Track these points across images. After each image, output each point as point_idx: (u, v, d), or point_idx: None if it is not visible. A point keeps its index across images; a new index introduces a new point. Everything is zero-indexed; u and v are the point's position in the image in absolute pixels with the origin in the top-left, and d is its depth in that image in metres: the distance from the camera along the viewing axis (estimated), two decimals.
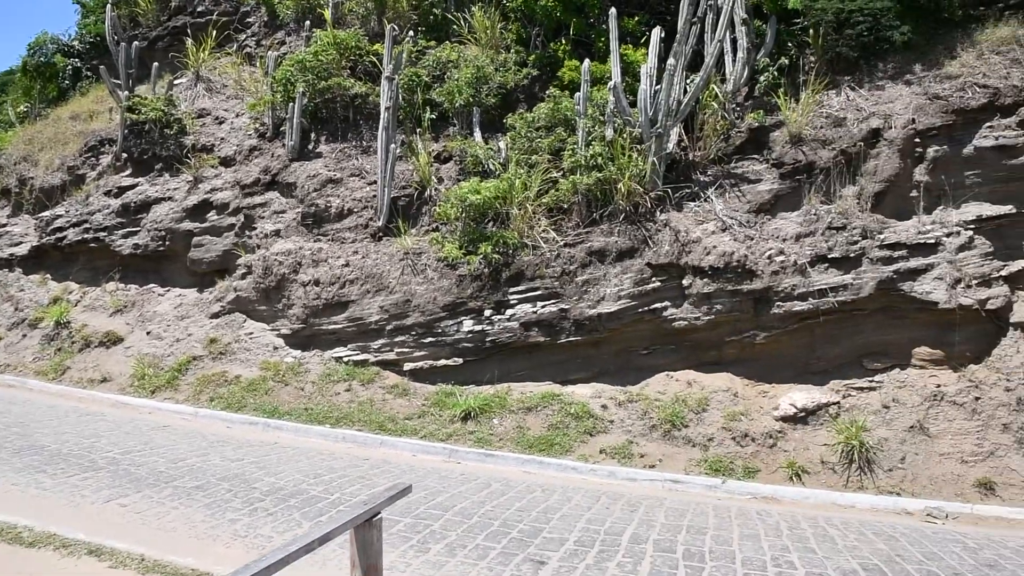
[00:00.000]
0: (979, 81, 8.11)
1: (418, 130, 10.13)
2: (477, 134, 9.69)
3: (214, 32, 12.90)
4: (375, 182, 10.09)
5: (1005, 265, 7.99)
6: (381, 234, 9.95)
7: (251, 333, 10.50)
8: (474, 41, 10.45)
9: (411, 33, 10.90)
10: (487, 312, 8.78)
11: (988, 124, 8.02)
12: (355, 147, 10.88)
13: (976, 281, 7.82)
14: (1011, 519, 6.64)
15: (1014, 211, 7.99)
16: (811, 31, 8.84)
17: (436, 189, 9.71)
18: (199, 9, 13.85)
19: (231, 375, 9.69)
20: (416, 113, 10.21)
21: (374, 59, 10.85)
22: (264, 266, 10.23)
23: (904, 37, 8.52)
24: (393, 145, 9.78)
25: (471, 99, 9.71)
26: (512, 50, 10.23)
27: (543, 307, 8.55)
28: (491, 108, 9.84)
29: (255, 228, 11.06)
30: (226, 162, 11.84)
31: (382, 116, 9.92)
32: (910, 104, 8.19)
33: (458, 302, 8.91)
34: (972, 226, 8.00)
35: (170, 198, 11.70)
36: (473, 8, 10.54)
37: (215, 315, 10.83)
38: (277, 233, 10.86)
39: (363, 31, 11.40)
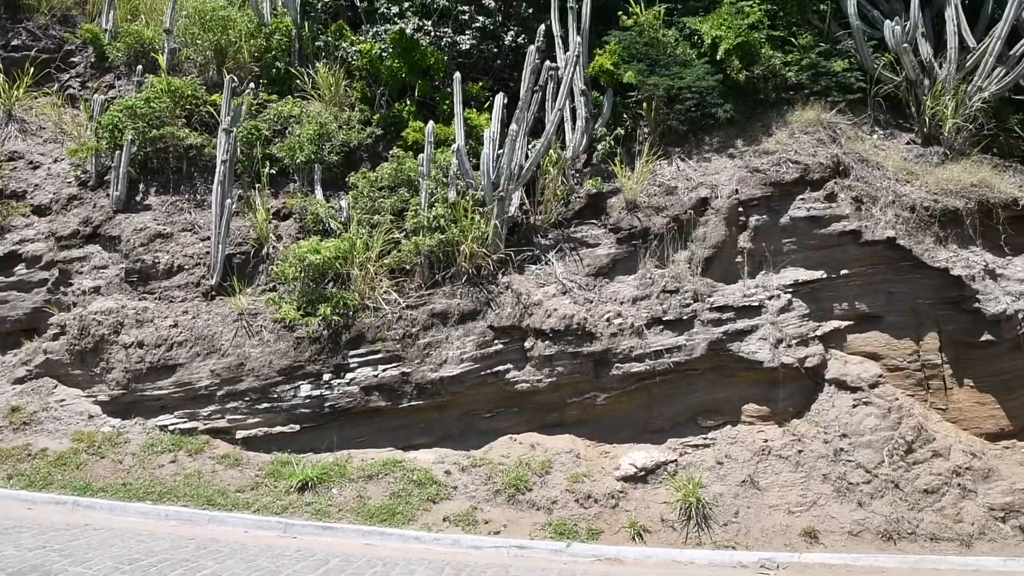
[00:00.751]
0: (792, 157, 8.89)
1: (257, 185, 9.73)
2: (318, 191, 9.45)
3: (32, 69, 11.90)
4: (209, 238, 9.55)
5: (819, 325, 8.67)
6: (214, 293, 9.38)
7: (62, 400, 9.50)
8: (318, 97, 10.27)
9: (252, 85, 10.55)
10: (326, 376, 8.44)
11: (801, 196, 8.77)
12: (188, 200, 10.28)
13: (795, 341, 8.43)
14: (833, 564, 7.07)
15: (825, 276, 8.71)
16: (645, 104, 9.39)
17: (274, 247, 9.32)
18: (15, 43, 12.74)
19: (36, 448, 8.68)
20: (255, 168, 9.83)
21: (211, 109, 10.39)
22: (80, 326, 9.34)
23: (727, 114, 9.26)
24: (229, 200, 9.33)
25: (313, 156, 9.49)
26: (356, 108, 10.14)
27: (384, 371, 8.33)
28: (333, 166, 9.66)
29: (71, 284, 10.12)
30: (40, 211, 10.81)
31: (218, 169, 9.47)
32: (734, 176, 8.84)
33: (295, 366, 8.51)
34: (790, 290, 8.65)
35: None
36: (318, 64, 10.39)
37: (19, 380, 9.73)
38: (97, 290, 9.98)
39: (201, 80, 10.91)
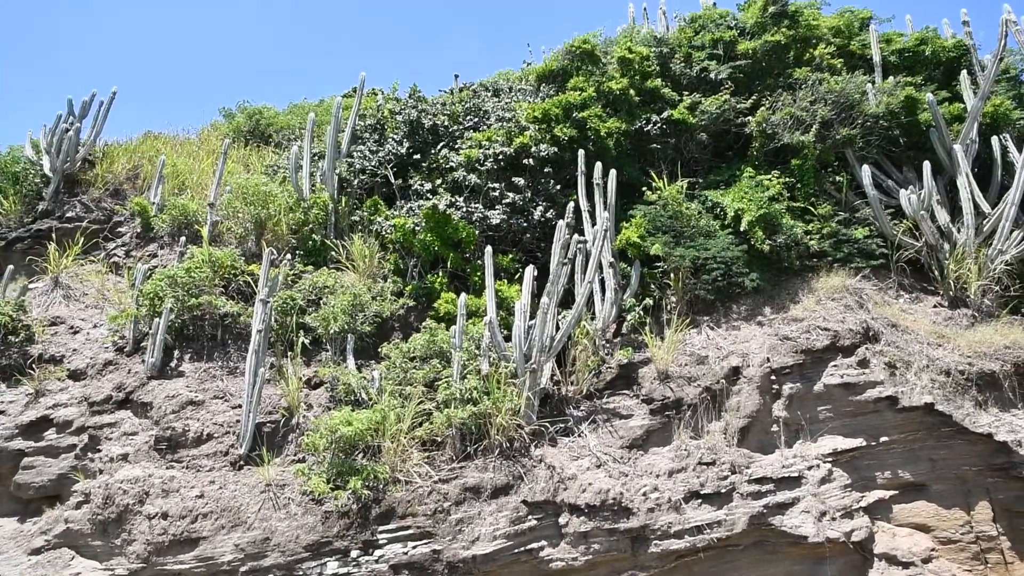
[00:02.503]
0: (821, 324, 9.09)
1: (289, 354, 10.02)
2: (351, 361, 9.70)
3: (81, 239, 12.67)
4: (239, 406, 9.71)
5: (863, 496, 8.51)
6: (242, 463, 9.41)
7: (78, 573, 9.34)
8: (352, 268, 10.78)
9: (288, 256, 11.13)
10: (354, 552, 8.26)
11: (833, 363, 8.89)
12: (221, 367, 10.56)
13: (839, 513, 8.24)
14: None
15: (864, 443, 8.66)
16: (672, 275, 9.78)
17: (304, 416, 9.45)
18: (68, 215, 13.63)
19: None
20: (288, 336, 10.16)
21: (249, 279, 10.90)
22: (105, 494, 9.31)
23: (753, 283, 9.58)
24: (262, 369, 9.58)
25: (346, 326, 9.82)
26: (389, 279, 10.60)
27: (415, 547, 8.17)
28: (366, 336, 9.97)
29: (100, 450, 10.19)
30: (76, 375, 11.10)
31: (253, 338, 9.78)
32: (764, 344, 9.01)
33: (323, 541, 8.37)
34: (830, 459, 8.56)
35: (2, 412, 10.73)
36: (353, 236, 10.99)
37: (36, 551, 9.57)
38: (125, 457, 10.02)
39: (240, 251, 11.52)
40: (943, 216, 10.40)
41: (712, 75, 12.07)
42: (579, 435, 8.56)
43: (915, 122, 11.45)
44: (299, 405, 9.54)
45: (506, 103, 12.72)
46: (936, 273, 10.28)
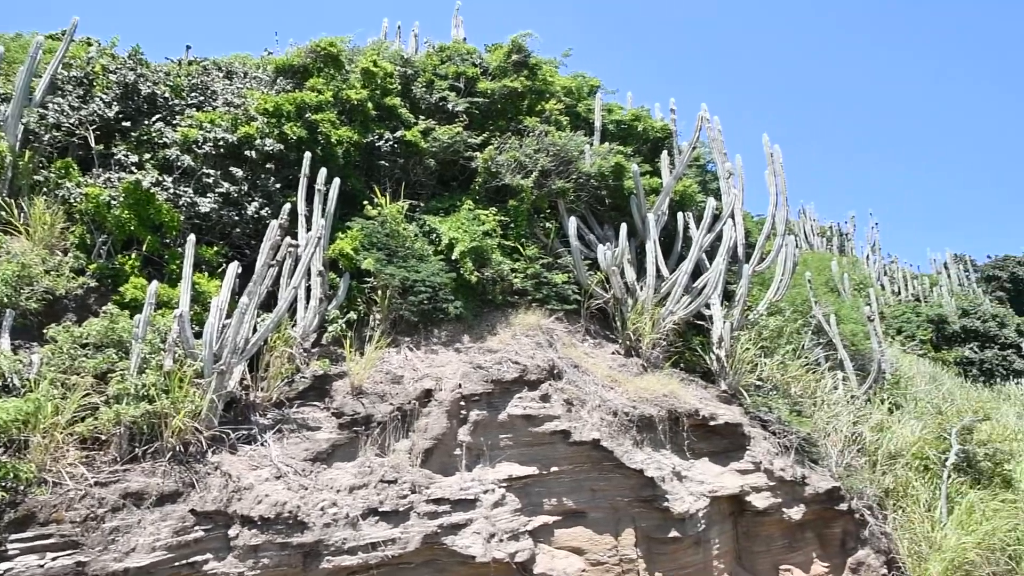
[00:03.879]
0: (512, 357, 10.21)
1: None
2: (5, 340, 8.86)
3: None
4: None
5: (530, 520, 9.58)
6: None
7: None
8: (26, 234, 9.85)
9: None
10: None
11: (519, 395, 9.96)
12: None
13: (507, 535, 9.20)
14: None
15: (537, 472, 9.79)
16: (380, 292, 10.31)
17: None
18: None
19: None
20: None
21: None
22: None
23: (457, 310, 10.49)
24: None
25: (6, 299, 8.96)
26: (71, 253, 9.84)
27: (55, 559, 7.59)
28: (31, 313, 9.14)
29: None
30: None
31: None
32: (459, 370, 9.88)
33: None
34: (504, 484, 9.55)
35: None
36: (34, 198, 10.05)
37: None
38: None
39: None
40: (631, 274, 12.30)
41: (450, 106, 13.04)
42: (262, 444, 8.66)
43: (620, 187, 13.38)
44: None
45: (238, 88, 12.52)
46: (618, 323, 12.09)
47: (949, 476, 13.64)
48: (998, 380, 27.41)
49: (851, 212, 45.26)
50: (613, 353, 11.72)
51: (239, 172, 10.78)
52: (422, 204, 11.85)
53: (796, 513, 11.23)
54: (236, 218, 10.52)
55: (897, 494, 13.20)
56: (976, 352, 28.60)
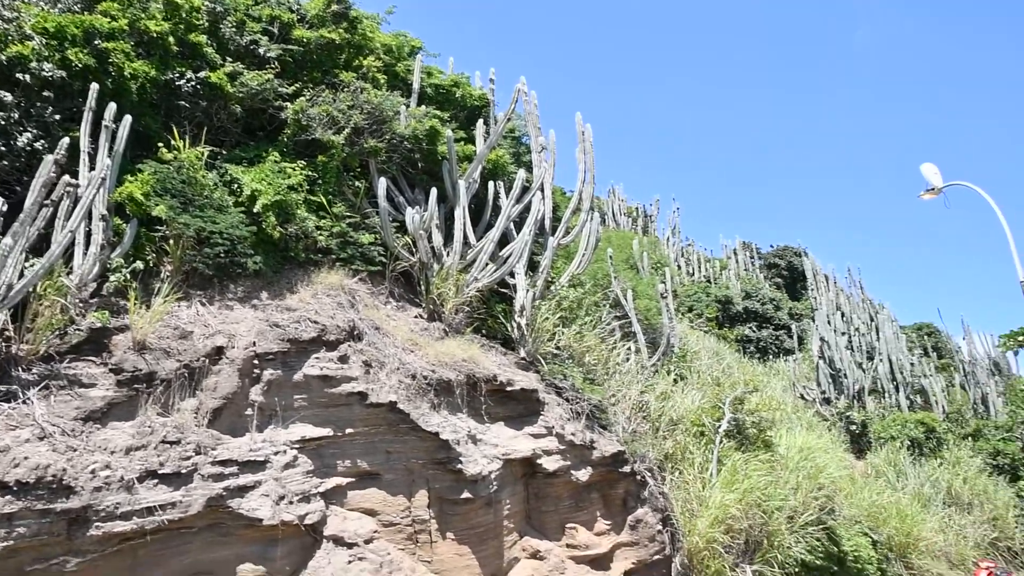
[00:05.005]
0: (312, 317, 10.06)
1: None
2: None
3: None
4: None
5: (322, 482, 9.55)
6: None
7: None
8: None
9: None
10: None
11: (316, 355, 9.86)
12: None
13: (297, 498, 9.13)
14: None
15: (332, 433, 9.76)
16: (172, 241, 9.76)
17: None
18: None
19: None
20: None
21: None
22: None
23: (256, 266, 10.13)
24: None
25: None
26: None
27: None
28: None
29: None
30: None
31: None
32: (253, 328, 9.58)
33: None
34: (297, 445, 9.44)
35: None
36: None
37: None
38: None
39: None
40: (438, 239, 12.45)
41: (262, 51, 12.44)
42: (25, 402, 7.95)
43: (434, 151, 13.46)
44: None
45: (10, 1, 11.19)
46: (423, 288, 12.23)
47: (721, 441, 15.14)
48: (771, 357, 30.65)
49: (656, 196, 48.38)
50: (416, 317, 11.85)
51: (8, 97, 9.69)
52: (224, 152, 11.26)
53: (584, 475, 12.00)
54: (3, 149, 9.47)
55: (675, 458, 14.49)
56: (754, 331, 31.75)
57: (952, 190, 14.53)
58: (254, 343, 9.37)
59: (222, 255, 9.86)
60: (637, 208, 44.70)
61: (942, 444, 26.64)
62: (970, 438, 29.17)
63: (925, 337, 40.23)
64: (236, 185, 10.62)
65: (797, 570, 14.88)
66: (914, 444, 25.57)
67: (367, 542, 9.61)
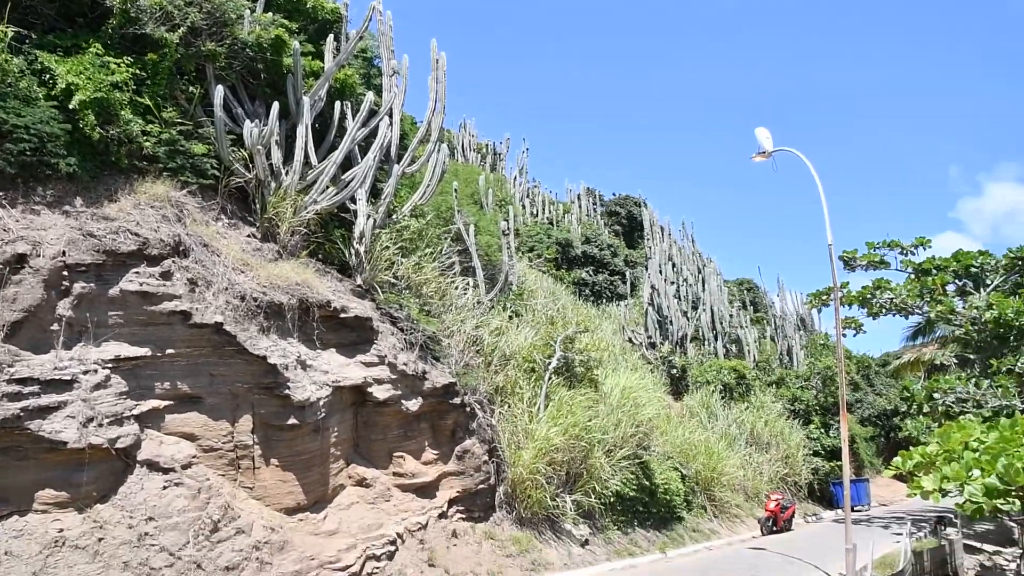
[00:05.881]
0: (133, 228, 9.40)
1: None
2: None
3: None
4: None
5: (137, 404, 9.11)
6: None
7: None
8: None
9: None
10: None
11: (136, 270, 9.24)
12: None
13: (108, 420, 8.64)
14: None
15: (150, 353, 9.28)
16: None
17: None
18: None
19: None
20: None
21: None
22: None
23: (70, 168, 9.27)
24: None
25: None
26: None
27: None
28: None
29: None
30: None
31: None
32: (64, 236, 8.82)
33: None
34: (110, 365, 8.90)
35: None
36: None
37: None
38: None
39: None
40: (277, 156, 11.92)
41: None
42: None
43: (279, 63, 12.76)
44: None
45: None
46: (258, 207, 11.72)
47: (550, 377, 15.81)
48: (604, 301, 32.08)
49: (507, 134, 48.66)
50: (249, 236, 11.39)
51: None
52: (34, 36, 10.08)
53: (414, 405, 12.19)
54: None
55: (506, 392, 15.01)
56: (591, 275, 33.04)
57: (785, 155, 15.63)
58: (64, 252, 8.66)
59: (28, 153, 8.92)
60: (487, 145, 44.78)
61: (750, 390, 29.21)
62: (774, 385, 32.19)
63: (745, 292, 43.55)
64: (48, 76, 9.59)
65: (613, 500, 16.00)
66: (726, 389, 27.88)
67: (185, 467, 9.35)
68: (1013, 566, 18.52)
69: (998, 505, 8.80)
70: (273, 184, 11.68)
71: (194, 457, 9.54)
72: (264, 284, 10.49)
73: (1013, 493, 8.64)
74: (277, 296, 10.52)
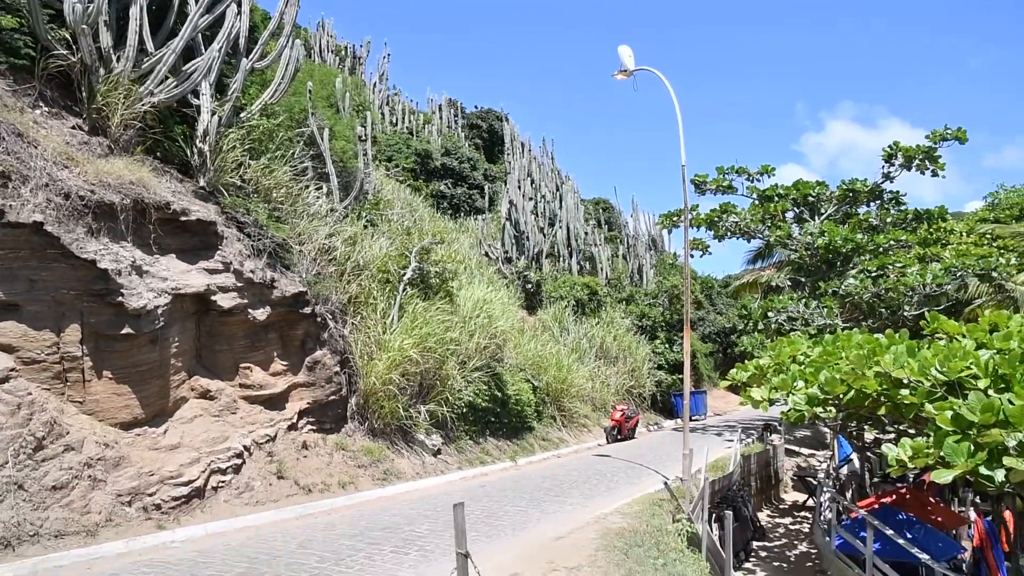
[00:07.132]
0: None
1: None
2: None
3: None
4: None
5: None
6: None
7: None
8: None
9: None
10: None
11: None
12: None
13: None
14: None
15: None
16: None
17: None
18: None
19: None
20: None
21: None
22: None
23: None
24: None
25: None
26: None
27: None
28: None
29: None
30: None
31: None
32: None
33: None
34: None
35: None
36: None
37: None
38: None
39: None
40: (107, 39, 10.78)
41: None
42: None
43: None
44: None
45: None
46: (84, 95, 10.65)
47: (404, 288, 15.71)
48: (462, 214, 32.04)
49: (367, 37, 46.60)
50: (74, 128, 10.35)
51: None
52: None
53: (261, 314, 11.79)
54: None
55: (359, 302, 14.79)
56: (449, 188, 32.80)
57: (645, 78, 15.86)
58: None
59: None
60: (346, 47, 42.79)
61: (601, 306, 30.38)
62: (624, 302, 33.63)
63: (601, 211, 44.70)
64: None
65: (466, 410, 16.35)
66: (579, 304, 28.84)
67: (3, 381, 8.64)
68: (824, 465, 20.78)
69: (818, 412, 9.64)
70: (102, 71, 10.59)
71: (13, 370, 8.82)
72: (92, 181, 9.64)
73: (830, 402, 9.48)
74: (108, 195, 9.71)
